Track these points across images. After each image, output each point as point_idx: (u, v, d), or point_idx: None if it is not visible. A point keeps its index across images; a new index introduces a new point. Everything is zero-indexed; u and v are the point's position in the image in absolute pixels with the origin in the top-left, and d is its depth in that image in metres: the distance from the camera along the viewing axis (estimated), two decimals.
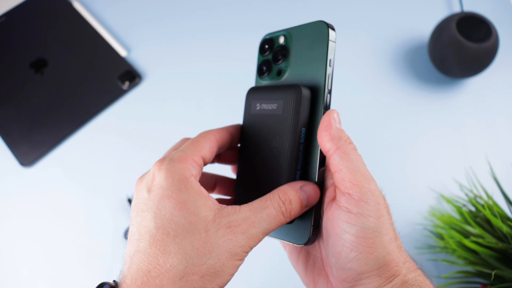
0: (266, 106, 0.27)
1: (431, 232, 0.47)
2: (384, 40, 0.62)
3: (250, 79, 0.59)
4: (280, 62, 0.28)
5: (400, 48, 0.62)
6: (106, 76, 0.59)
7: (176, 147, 0.26)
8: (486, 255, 0.37)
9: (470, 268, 0.39)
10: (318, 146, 0.24)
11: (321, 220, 0.24)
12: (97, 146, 0.55)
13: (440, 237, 0.44)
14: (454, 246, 0.39)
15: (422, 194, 0.51)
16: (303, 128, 0.24)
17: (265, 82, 0.29)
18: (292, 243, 0.25)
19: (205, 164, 0.25)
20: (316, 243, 0.26)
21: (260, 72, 0.29)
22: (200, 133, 0.26)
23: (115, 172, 0.53)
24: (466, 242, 0.37)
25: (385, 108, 0.57)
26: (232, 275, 0.21)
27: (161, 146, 0.56)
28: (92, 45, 0.61)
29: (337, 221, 0.22)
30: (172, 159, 0.23)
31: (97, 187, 0.52)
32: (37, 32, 0.62)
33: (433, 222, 0.47)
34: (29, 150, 0.54)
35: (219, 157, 0.30)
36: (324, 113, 0.24)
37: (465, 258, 0.39)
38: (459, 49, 0.52)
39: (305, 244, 0.24)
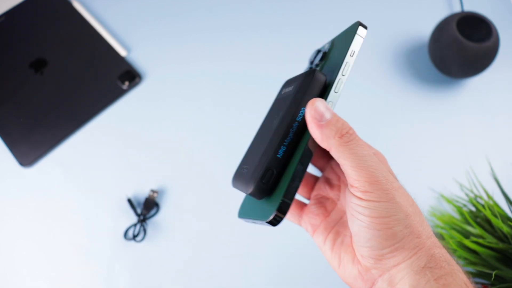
0: (287, 89, 0.28)
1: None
2: (384, 40, 0.62)
3: (250, 79, 0.59)
4: (318, 65, 0.29)
5: (400, 48, 0.62)
6: (106, 76, 0.59)
7: None
8: (487, 255, 0.37)
9: (470, 269, 0.39)
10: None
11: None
12: (97, 146, 0.55)
13: (441, 237, 0.44)
14: (454, 246, 0.39)
15: (422, 194, 0.51)
16: (303, 108, 0.24)
17: None
18: (261, 222, 0.24)
19: None
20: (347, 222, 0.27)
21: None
22: None
23: (115, 172, 0.53)
24: (467, 242, 0.37)
25: (385, 108, 0.57)
26: None
27: (161, 146, 0.56)
28: (92, 45, 0.61)
29: (350, 204, 0.23)
30: None
31: (96, 187, 0.52)
32: (37, 32, 0.62)
33: (434, 222, 0.47)
34: (29, 150, 0.54)
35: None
36: (331, 97, 0.24)
37: (465, 259, 0.39)
38: (459, 49, 0.52)
39: (270, 222, 0.23)
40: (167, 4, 0.65)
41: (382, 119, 0.56)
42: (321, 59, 0.29)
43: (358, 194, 0.22)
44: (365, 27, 0.25)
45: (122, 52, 0.61)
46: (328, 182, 0.31)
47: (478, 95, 0.58)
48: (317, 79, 0.25)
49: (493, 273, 0.34)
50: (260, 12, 0.65)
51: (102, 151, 0.54)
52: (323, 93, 0.25)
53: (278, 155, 0.24)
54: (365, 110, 0.57)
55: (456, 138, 0.55)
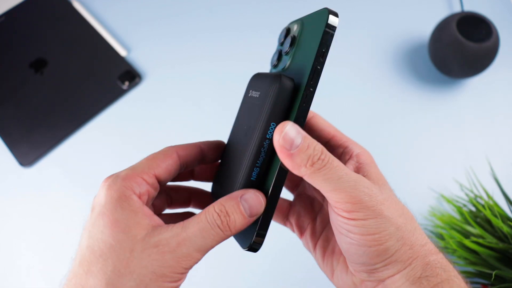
0: (254, 93, 0.25)
1: (432, 232, 0.47)
2: (384, 40, 0.62)
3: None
4: (288, 52, 0.25)
5: (400, 48, 0.62)
6: (106, 76, 0.59)
7: (148, 159, 0.25)
8: (487, 255, 0.37)
9: (470, 269, 0.39)
10: None
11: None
12: (97, 146, 0.55)
13: (441, 237, 0.44)
14: (454, 246, 0.39)
15: (422, 194, 0.51)
16: (273, 123, 0.22)
17: (273, 72, 0.27)
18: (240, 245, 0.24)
19: (162, 181, 0.24)
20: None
21: (273, 62, 0.27)
22: (163, 148, 0.25)
23: (115, 172, 0.53)
24: (467, 242, 0.37)
25: (385, 108, 0.57)
26: None
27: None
28: (92, 45, 0.61)
29: (337, 222, 0.22)
30: (117, 176, 0.22)
31: (96, 187, 0.52)
32: (37, 32, 0.62)
33: (434, 222, 0.47)
34: (29, 150, 0.54)
35: (192, 174, 0.29)
36: (299, 112, 0.21)
37: (465, 258, 0.39)
38: (459, 49, 0.52)
39: (248, 249, 0.22)
40: (167, 4, 0.65)
41: (382, 119, 0.56)
42: (291, 44, 0.25)
43: (344, 214, 0.21)
44: (336, 15, 0.21)
45: (122, 52, 0.61)
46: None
47: (478, 95, 0.58)
48: (284, 89, 0.22)
49: (493, 273, 0.34)
50: (260, 12, 0.65)
51: (102, 151, 0.54)
52: (293, 100, 0.22)
53: (251, 178, 0.22)
54: (365, 110, 0.57)
55: (456, 138, 0.55)
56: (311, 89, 0.21)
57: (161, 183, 0.24)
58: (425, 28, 0.62)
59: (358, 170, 0.25)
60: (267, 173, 0.23)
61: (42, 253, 0.48)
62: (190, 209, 0.30)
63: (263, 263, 0.48)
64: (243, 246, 0.23)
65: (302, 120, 0.21)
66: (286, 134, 0.20)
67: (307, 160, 0.20)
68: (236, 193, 0.22)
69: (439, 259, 0.22)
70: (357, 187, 0.21)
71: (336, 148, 0.27)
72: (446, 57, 0.54)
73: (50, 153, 0.54)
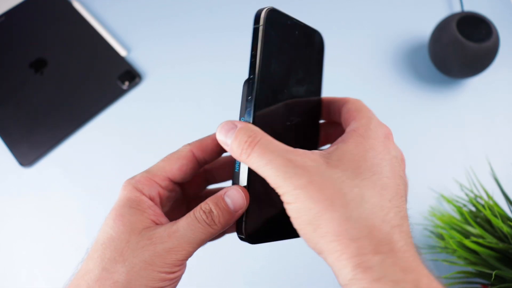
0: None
1: (432, 232, 0.47)
2: (384, 40, 0.62)
3: None
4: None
5: (400, 48, 0.62)
6: (106, 76, 0.59)
7: (163, 160, 0.26)
8: (487, 256, 0.37)
9: (470, 269, 0.39)
10: None
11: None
12: (97, 146, 0.55)
13: (441, 237, 0.44)
14: (454, 246, 0.39)
15: (422, 194, 0.51)
16: (242, 117, 0.24)
17: None
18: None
19: (178, 181, 0.25)
20: None
21: None
22: (179, 148, 0.26)
23: (115, 172, 0.53)
24: (467, 242, 0.37)
25: (385, 108, 0.57)
26: (151, 287, 0.21)
27: (161, 146, 0.56)
28: (92, 45, 0.61)
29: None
30: (132, 178, 0.25)
31: (96, 187, 0.52)
32: (37, 32, 0.62)
33: (433, 222, 0.47)
34: (29, 150, 0.54)
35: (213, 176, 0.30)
36: (246, 104, 0.23)
37: (465, 258, 0.39)
38: (459, 49, 0.52)
39: (244, 240, 0.24)
40: (167, 4, 0.65)
41: (381, 119, 0.56)
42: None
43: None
44: (259, 15, 0.24)
45: (122, 52, 0.61)
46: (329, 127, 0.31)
47: (478, 95, 0.58)
48: (244, 85, 0.24)
49: (493, 273, 0.34)
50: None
51: (102, 151, 0.54)
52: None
53: (235, 170, 0.24)
54: None
55: (456, 138, 0.55)
56: (250, 80, 0.23)
57: (178, 183, 0.26)
58: (425, 28, 0.62)
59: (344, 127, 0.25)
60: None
61: (42, 253, 0.48)
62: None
63: (262, 260, 0.48)
64: (239, 237, 0.24)
65: (250, 111, 0.23)
66: (219, 133, 0.23)
67: (238, 148, 0.21)
68: (221, 191, 0.23)
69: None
70: (287, 163, 0.20)
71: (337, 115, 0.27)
72: (446, 57, 0.54)
73: (50, 153, 0.54)
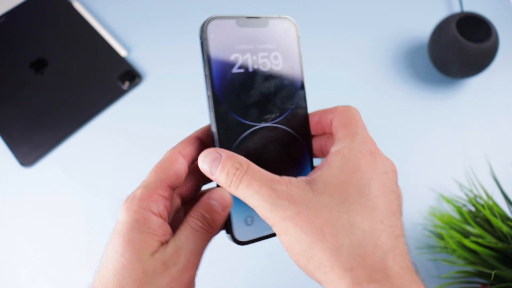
0: None
1: (431, 232, 0.47)
2: (384, 40, 0.62)
3: None
4: None
5: (400, 48, 0.62)
6: (106, 76, 0.59)
7: (156, 171, 0.25)
8: (486, 255, 0.37)
9: (470, 268, 0.39)
10: None
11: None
12: (97, 146, 0.55)
13: (440, 237, 0.44)
14: (454, 246, 0.39)
15: (422, 194, 0.51)
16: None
17: None
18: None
19: (176, 187, 0.25)
20: None
21: None
22: (165, 154, 0.25)
23: (115, 172, 0.53)
24: (466, 242, 0.37)
25: (385, 108, 0.57)
26: None
27: (160, 146, 0.56)
28: (92, 45, 0.61)
29: None
30: (134, 197, 0.23)
31: (97, 187, 0.52)
32: (37, 32, 0.62)
33: (433, 222, 0.47)
34: (29, 150, 0.54)
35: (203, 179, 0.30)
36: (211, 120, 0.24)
37: (465, 258, 0.39)
38: (459, 49, 0.52)
39: (232, 241, 0.24)
40: (167, 4, 0.65)
41: (381, 119, 0.56)
42: None
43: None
44: (204, 25, 0.24)
45: (122, 52, 0.61)
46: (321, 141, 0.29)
47: (478, 95, 0.58)
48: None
49: (493, 272, 0.34)
50: (260, 12, 0.65)
51: (102, 151, 0.54)
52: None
53: None
54: (364, 111, 0.57)
55: (456, 138, 0.55)
56: (208, 95, 0.24)
57: (176, 188, 0.25)
58: (425, 28, 0.62)
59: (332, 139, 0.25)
60: None
61: (43, 253, 0.48)
62: None
63: (263, 259, 0.48)
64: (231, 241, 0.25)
65: (216, 125, 0.24)
66: (202, 162, 0.22)
67: (226, 180, 0.21)
68: (204, 197, 0.23)
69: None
70: (272, 194, 0.20)
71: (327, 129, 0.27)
72: (446, 57, 0.54)
73: (51, 153, 0.54)
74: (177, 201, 0.26)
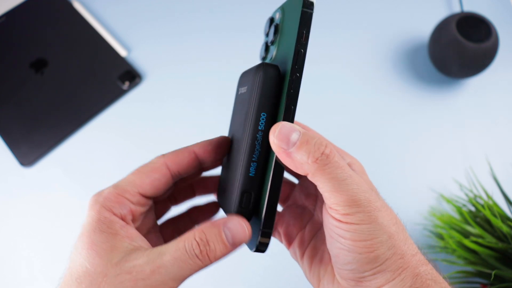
0: (242, 90, 0.24)
1: (431, 232, 0.47)
2: (384, 40, 0.62)
3: None
4: (273, 41, 0.25)
5: (400, 48, 0.62)
6: (106, 76, 0.59)
7: (133, 174, 0.24)
8: (486, 255, 0.37)
9: (470, 268, 0.39)
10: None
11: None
12: (97, 146, 0.55)
13: (440, 237, 0.44)
14: (454, 246, 0.39)
15: (422, 194, 0.51)
16: (263, 113, 0.21)
17: None
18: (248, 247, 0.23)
19: (150, 197, 0.23)
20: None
21: (261, 55, 0.27)
22: (152, 159, 0.24)
23: (115, 172, 0.53)
24: (466, 242, 0.37)
25: (385, 108, 0.57)
26: None
27: (161, 146, 0.56)
28: (92, 45, 0.61)
29: (329, 226, 0.21)
30: (100, 195, 0.22)
31: (97, 187, 0.52)
32: (37, 32, 0.62)
33: (433, 222, 0.47)
34: (29, 150, 0.54)
35: (193, 190, 0.29)
36: (288, 99, 0.21)
37: (465, 258, 0.39)
38: (459, 49, 0.52)
39: (256, 250, 0.22)
40: (167, 4, 0.65)
41: (381, 119, 0.56)
42: (275, 33, 0.24)
43: (338, 216, 0.20)
44: None
45: (122, 52, 0.61)
46: (304, 190, 0.28)
47: (478, 95, 0.58)
48: (268, 77, 0.21)
49: (493, 272, 0.34)
50: (260, 12, 0.65)
51: (102, 151, 0.54)
52: (281, 87, 0.22)
53: (250, 174, 0.22)
54: (364, 110, 0.57)
55: (456, 138, 0.55)
56: (297, 74, 0.21)
57: (150, 198, 0.24)
58: (425, 28, 0.62)
59: None
60: (266, 167, 0.22)
61: (43, 253, 0.48)
62: (196, 200, 0.30)
63: (265, 263, 0.48)
64: (250, 248, 0.23)
65: (292, 108, 0.21)
66: (280, 132, 0.20)
67: (307, 156, 0.20)
68: (220, 221, 0.21)
69: (429, 270, 0.21)
70: (358, 189, 0.20)
71: None
72: (446, 57, 0.54)
73: (51, 153, 0.54)
74: (148, 208, 0.24)
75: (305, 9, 0.20)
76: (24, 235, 0.49)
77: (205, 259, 0.20)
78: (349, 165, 0.24)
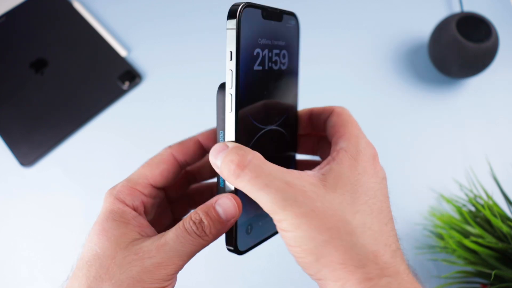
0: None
1: (431, 232, 0.47)
2: (384, 40, 0.62)
3: None
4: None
5: (400, 48, 0.62)
6: (106, 76, 0.59)
7: (143, 167, 0.25)
8: (486, 255, 0.37)
9: (470, 268, 0.39)
10: None
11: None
12: (97, 146, 0.55)
13: (440, 237, 0.44)
14: (454, 246, 0.39)
15: (422, 194, 0.51)
16: (221, 131, 0.22)
17: None
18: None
19: (161, 187, 0.25)
20: None
21: None
22: (159, 152, 0.25)
23: (115, 172, 0.53)
24: (466, 242, 0.37)
25: (385, 108, 0.57)
26: None
27: (161, 146, 0.56)
28: (92, 45, 0.61)
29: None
30: (114, 188, 0.24)
31: (97, 187, 0.52)
32: (37, 32, 0.62)
33: (433, 222, 0.47)
34: (29, 150, 0.54)
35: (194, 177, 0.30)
36: (229, 119, 0.21)
37: (465, 258, 0.39)
38: (459, 49, 0.52)
39: (233, 252, 0.23)
40: (167, 4, 0.65)
41: (381, 119, 0.56)
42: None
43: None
44: (235, 14, 0.19)
45: (122, 52, 0.61)
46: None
47: (478, 95, 0.58)
48: (220, 97, 0.22)
49: (493, 272, 0.34)
50: None
51: (102, 151, 0.54)
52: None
53: (220, 185, 0.23)
54: (364, 110, 0.57)
55: (456, 138, 0.55)
56: (230, 93, 0.21)
57: (161, 188, 0.25)
58: (425, 28, 0.62)
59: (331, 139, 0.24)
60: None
61: (43, 253, 0.48)
62: None
63: (261, 263, 0.48)
64: (228, 249, 0.24)
65: (234, 128, 0.21)
66: (211, 155, 0.21)
67: (228, 172, 0.20)
68: (211, 199, 0.22)
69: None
70: (286, 188, 0.19)
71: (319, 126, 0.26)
72: (446, 57, 0.54)
73: (51, 153, 0.54)
74: (159, 200, 0.26)
75: (227, 28, 0.20)
76: (24, 235, 0.49)
77: (203, 234, 0.21)
78: (328, 121, 0.25)
